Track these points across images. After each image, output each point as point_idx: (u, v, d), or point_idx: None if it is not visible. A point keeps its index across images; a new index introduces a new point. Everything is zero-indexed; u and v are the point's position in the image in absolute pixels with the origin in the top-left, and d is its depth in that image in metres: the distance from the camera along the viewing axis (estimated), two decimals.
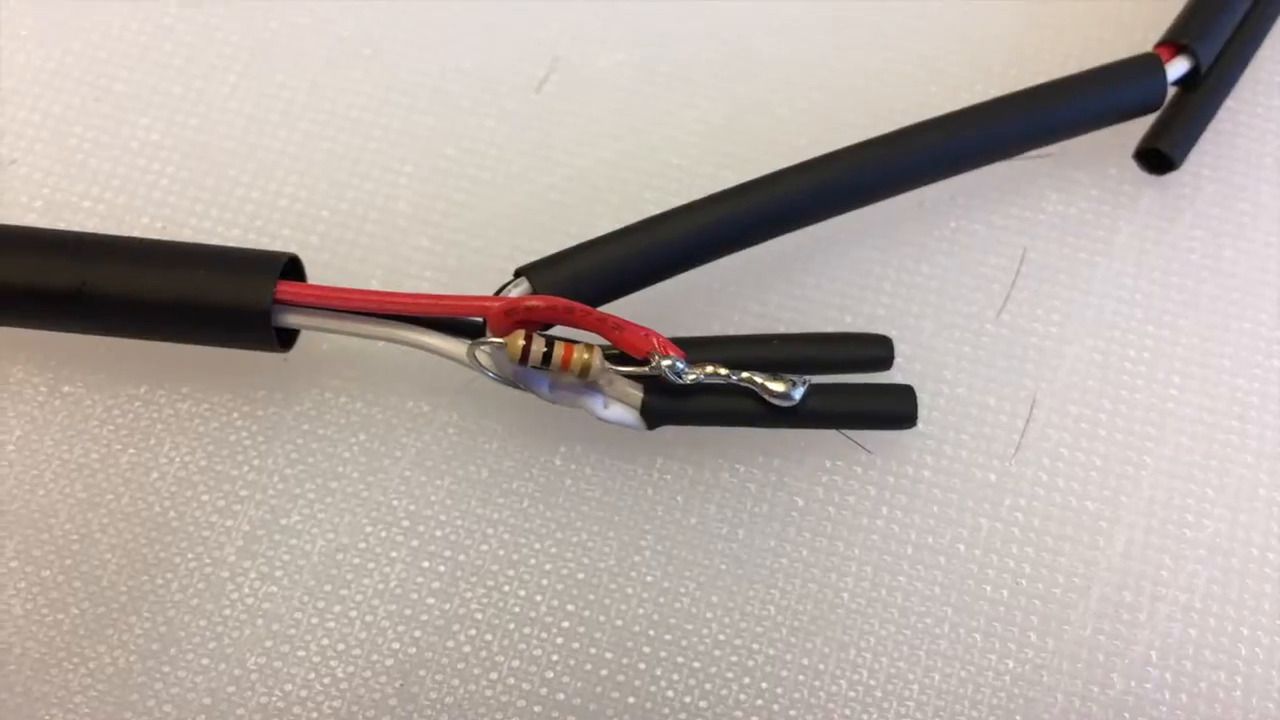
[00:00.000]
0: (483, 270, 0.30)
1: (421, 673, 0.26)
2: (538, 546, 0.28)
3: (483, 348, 0.26)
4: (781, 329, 0.30)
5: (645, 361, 0.26)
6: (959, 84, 0.33)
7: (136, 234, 0.29)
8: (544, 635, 0.27)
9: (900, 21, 0.34)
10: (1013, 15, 0.34)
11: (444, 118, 0.32)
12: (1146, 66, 0.31)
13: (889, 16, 0.34)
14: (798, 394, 0.26)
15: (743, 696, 0.26)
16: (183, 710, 0.26)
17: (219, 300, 0.26)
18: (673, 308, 0.29)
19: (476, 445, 0.29)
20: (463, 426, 0.29)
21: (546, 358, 0.26)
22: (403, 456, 0.28)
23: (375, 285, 0.30)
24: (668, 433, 0.28)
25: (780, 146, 0.32)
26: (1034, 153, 0.31)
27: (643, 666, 0.27)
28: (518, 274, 0.27)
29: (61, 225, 0.30)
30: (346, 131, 0.32)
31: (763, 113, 0.32)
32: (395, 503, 0.28)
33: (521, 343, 0.26)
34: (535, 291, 0.27)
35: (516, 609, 0.27)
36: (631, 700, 0.26)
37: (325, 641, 0.27)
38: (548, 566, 0.27)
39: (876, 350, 0.28)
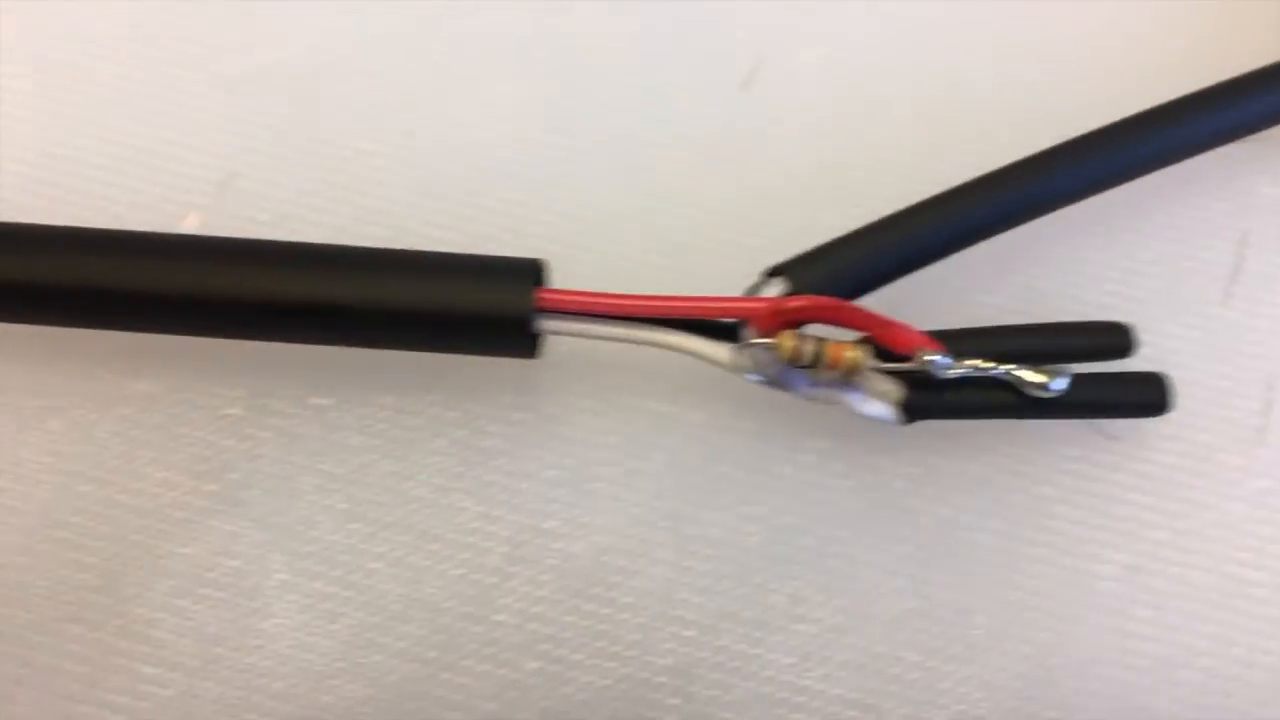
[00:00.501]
0: (703, 269, 0.30)
1: (699, 671, 0.27)
2: (798, 543, 0.28)
3: (748, 349, 0.26)
4: (1008, 320, 0.30)
5: (907, 358, 0.26)
6: (1164, 77, 0.33)
7: (367, 244, 0.29)
8: (813, 631, 0.27)
9: (1099, 18, 0.34)
10: (1219, 12, 0.34)
11: (652, 119, 0.32)
12: None
13: (1088, 13, 0.34)
14: (1060, 385, 0.27)
15: (1016, 684, 0.27)
16: (469, 716, 0.26)
17: (481, 309, 0.26)
18: (899, 304, 0.29)
19: (726, 444, 0.29)
20: (710, 426, 0.29)
21: (817, 357, 0.26)
22: (655, 458, 0.29)
23: (596, 287, 0.30)
24: (911, 427, 0.28)
25: (983, 143, 0.32)
26: (1246, 139, 0.31)
27: (915, 658, 0.27)
28: (772, 273, 0.27)
29: (292, 237, 0.30)
30: (555, 135, 0.32)
31: (968, 106, 0.33)
32: (654, 503, 0.28)
33: (791, 343, 0.26)
34: (794, 290, 0.27)
35: (782, 605, 0.27)
36: (910, 694, 0.27)
37: (600, 644, 0.27)
38: (809, 562, 0.28)
39: (1117, 338, 0.28)
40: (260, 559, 0.27)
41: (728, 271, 0.28)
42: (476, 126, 0.32)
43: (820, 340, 0.26)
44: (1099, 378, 0.28)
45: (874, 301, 0.27)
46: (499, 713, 0.26)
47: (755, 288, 0.27)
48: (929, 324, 0.27)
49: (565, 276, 0.27)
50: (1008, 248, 0.30)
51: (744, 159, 0.32)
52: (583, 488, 0.28)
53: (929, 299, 0.30)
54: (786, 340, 0.26)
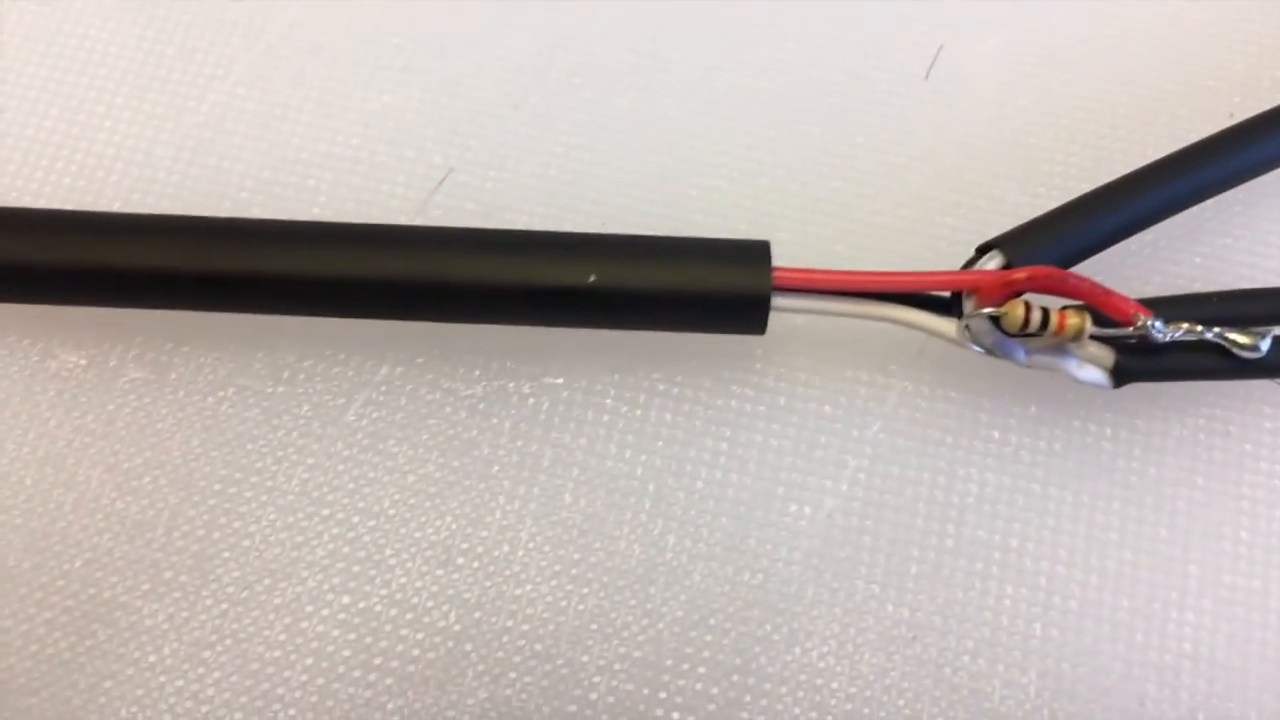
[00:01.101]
0: (904, 246, 0.32)
1: (933, 620, 0.28)
2: (1015, 501, 0.29)
3: (975, 319, 0.28)
4: (1197, 288, 0.32)
5: (1127, 324, 0.28)
6: None
7: (569, 229, 0.30)
8: (1034, 583, 0.29)
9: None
10: None
11: (847, 112, 0.34)
12: None
13: None
14: (1265, 345, 0.28)
15: (1234, 636, 0.28)
16: (721, 671, 0.28)
17: (723, 289, 0.28)
18: (1097, 273, 0.30)
19: (937, 411, 0.30)
20: (920, 394, 0.31)
21: (1044, 324, 0.28)
22: (870, 425, 0.30)
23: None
24: (1112, 392, 0.29)
25: (1155, 124, 0.33)
26: None
27: (1130, 605, 0.28)
28: (983, 249, 0.29)
29: (503, 225, 0.31)
30: (749, 124, 0.34)
31: (1139, 87, 0.34)
32: (874, 468, 0.30)
33: (1022, 311, 0.27)
34: (1009, 263, 0.29)
35: (1002, 559, 0.29)
36: (1132, 638, 0.28)
37: (838, 597, 0.28)
38: (1027, 519, 0.29)
39: None
40: (511, 529, 0.29)
41: (921, 250, 0.30)
42: (673, 120, 0.34)
43: (1046, 309, 0.28)
44: None
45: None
46: (745, 667, 0.28)
47: (971, 262, 0.29)
48: (1127, 293, 0.29)
49: (781, 260, 0.29)
50: (1193, 219, 0.32)
51: (930, 144, 0.33)
52: (807, 454, 0.30)
53: (1122, 270, 0.31)
54: (1016, 309, 0.27)
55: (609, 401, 0.30)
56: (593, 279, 0.28)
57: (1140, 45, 0.35)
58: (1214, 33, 0.35)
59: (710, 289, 0.28)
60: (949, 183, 0.33)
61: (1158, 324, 0.28)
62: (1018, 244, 0.29)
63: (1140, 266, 0.32)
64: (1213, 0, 0.35)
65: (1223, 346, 0.28)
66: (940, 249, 0.32)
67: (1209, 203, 0.31)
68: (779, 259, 0.29)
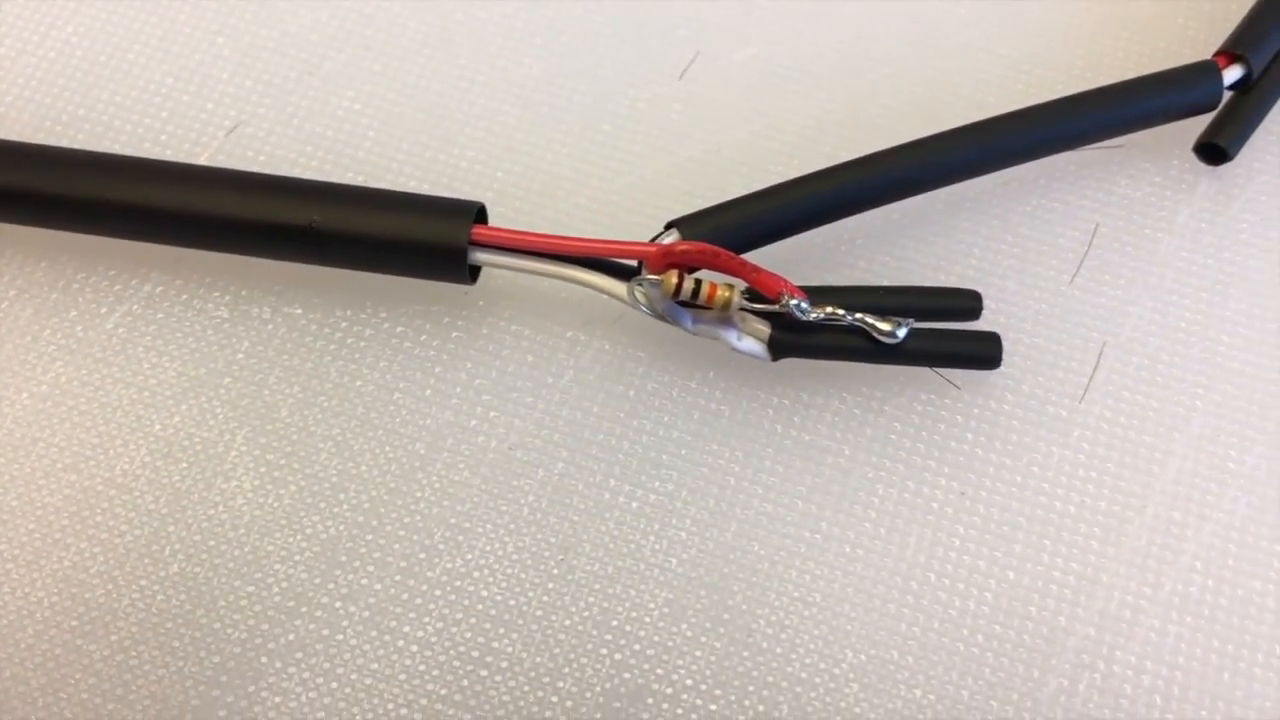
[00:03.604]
0: (632, 225, 0.36)
1: (582, 548, 0.32)
2: (678, 453, 0.33)
3: (641, 285, 0.32)
4: (885, 283, 0.35)
5: (775, 301, 0.32)
6: (1041, 82, 0.38)
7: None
8: (680, 523, 0.32)
9: (991, 29, 0.39)
10: (1090, 23, 0.39)
11: (601, 99, 0.38)
12: (1205, 72, 0.36)
13: (982, 25, 0.39)
14: (901, 333, 0.31)
15: (849, 588, 0.31)
16: (387, 571, 0.31)
17: (425, 239, 0.32)
18: (794, 262, 0.34)
19: (625, 369, 0.34)
20: (613, 353, 0.34)
21: (694, 293, 0.31)
22: (564, 375, 0.34)
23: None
24: (786, 365, 0.33)
25: (886, 132, 0.37)
26: (1107, 143, 0.36)
27: (761, 551, 0.32)
28: (669, 226, 0.33)
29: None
30: (518, 108, 0.38)
31: (871, 102, 0.38)
32: (559, 412, 0.33)
33: (675, 280, 0.31)
34: (684, 239, 0.32)
35: (657, 501, 0.32)
36: (754, 580, 0.31)
37: (502, 519, 0.32)
38: (684, 469, 0.33)
39: (968, 302, 0.33)
40: (230, 432, 0.33)
41: (643, 230, 0.33)
42: (446, 97, 0.38)
43: (699, 280, 0.31)
44: (942, 332, 0.33)
45: (769, 261, 0.32)
46: (409, 569, 0.32)
47: (656, 237, 0.33)
48: (811, 281, 0.32)
49: (519, 226, 0.32)
50: (890, 220, 0.35)
51: (676, 138, 0.37)
52: (502, 395, 0.34)
53: (814, 262, 0.35)
54: (670, 277, 0.31)
55: (337, 334, 0.34)
56: (315, 219, 0.32)
57: (880, 64, 0.38)
58: (945, 63, 0.38)
59: (417, 238, 0.32)
60: (683, 173, 0.37)
61: (803, 304, 0.31)
62: (693, 224, 0.32)
63: (834, 261, 0.35)
64: (954, 31, 0.39)
65: (865, 330, 0.32)
66: (660, 229, 0.36)
67: (909, 208, 0.35)
68: (511, 224, 0.33)
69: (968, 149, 0.34)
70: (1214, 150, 0.36)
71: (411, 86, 0.38)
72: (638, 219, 0.36)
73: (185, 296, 0.35)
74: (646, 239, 0.33)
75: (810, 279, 0.32)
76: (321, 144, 0.37)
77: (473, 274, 0.33)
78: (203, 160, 0.37)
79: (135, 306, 0.34)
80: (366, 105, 0.38)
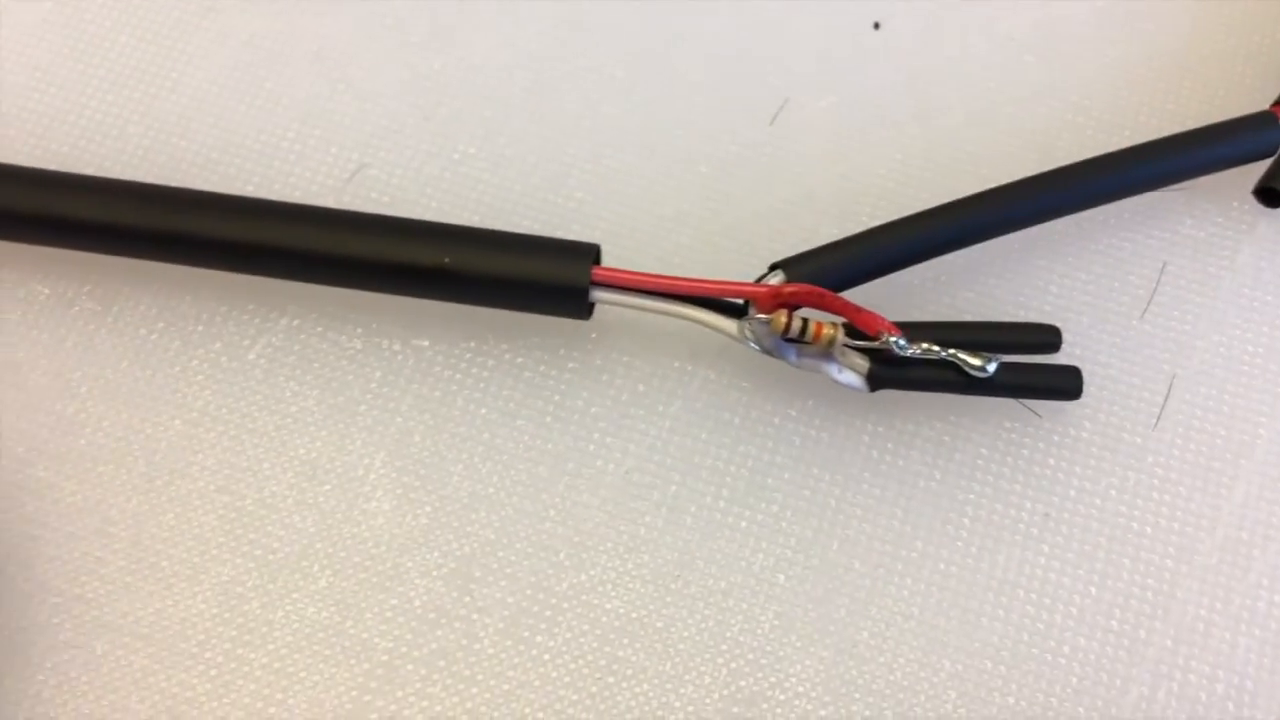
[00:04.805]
0: (730, 263, 0.38)
1: (698, 564, 0.35)
2: (781, 476, 0.36)
3: (751, 323, 0.34)
4: (969, 319, 0.38)
5: (874, 338, 0.34)
6: (1109, 129, 0.41)
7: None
8: (786, 541, 0.35)
9: (1059, 78, 0.41)
10: (1153, 73, 0.41)
11: (698, 143, 0.40)
12: (1263, 122, 0.38)
13: (1052, 75, 0.41)
14: (991, 368, 0.34)
15: (944, 602, 0.34)
16: (518, 586, 0.34)
17: (550, 279, 0.35)
18: (886, 297, 0.37)
19: (730, 398, 0.37)
20: (719, 383, 0.37)
21: (801, 332, 0.34)
22: (673, 403, 0.37)
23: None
24: (880, 395, 0.36)
25: (963, 175, 0.40)
26: (1173, 186, 0.38)
27: (861, 568, 0.35)
28: (773, 267, 0.35)
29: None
30: (621, 151, 0.40)
31: (952, 147, 0.40)
32: (670, 438, 0.36)
33: (784, 319, 0.34)
34: (789, 280, 0.35)
35: (764, 520, 0.35)
36: (858, 595, 0.34)
37: (624, 540, 0.35)
38: (789, 491, 0.35)
39: (1048, 336, 0.36)
40: (368, 456, 0.36)
41: (744, 266, 0.36)
42: (554, 140, 0.40)
43: (806, 319, 0.34)
44: (1027, 366, 0.35)
45: (862, 297, 0.35)
46: (539, 584, 0.34)
47: (761, 277, 0.35)
48: (899, 317, 0.35)
49: (626, 264, 0.35)
50: (972, 259, 0.38)
51: (768, 180, 0.40)
52: (617, 421, 0.36)
53: (903, 297, 0.38)
54: (780, 317, 0.34)
55: (463, 365, 0.37)
56: (447, 261, 0.35)
57: (955, 111, 0.41)
58: (1018, 110, 0.41)
59: (542, 278, 0.35)
60: (777, 213, 0.40)
61: (900, 341, 0.34)
62: (797, 266, 0.35)
63: (923, 296, 0.38)
64: (1025, 80, 0.41)
65: (958, 365, 0.34)
66: (758, 267, 0.38)
67: (990, 247, 0.37)
68: (619, 261, 0.35)
69: (1047, 194, 0.37)
70: (1271, 194, 0.39)
71: (521, 131, 0.41)
72: (736, 257, 0.39)
73: (320, 329, 0.37)
74: (746, 276, 0.35)
75: (901, 314, 0.35)
76: (440, 185, 0.40)
77: (589, 310, 0.36)
78: (330, 202, 0.39)
79: (275, 339, 0.37)
80: (480, 149, 0.40)
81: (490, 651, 0.34)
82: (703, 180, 0.40)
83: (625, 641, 0.34)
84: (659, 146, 0.41)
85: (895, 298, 0.38)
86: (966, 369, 0.34)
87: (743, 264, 0.37)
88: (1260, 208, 0.39)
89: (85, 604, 0.34)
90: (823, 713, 0.33)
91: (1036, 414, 0.36)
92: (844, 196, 0.40)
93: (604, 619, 0.34)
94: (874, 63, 0.42)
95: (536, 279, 0.35)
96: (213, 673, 0.33)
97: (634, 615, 0.34)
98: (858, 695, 0.33)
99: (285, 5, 0.42)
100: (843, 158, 0.40)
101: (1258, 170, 0.39)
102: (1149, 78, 0.42)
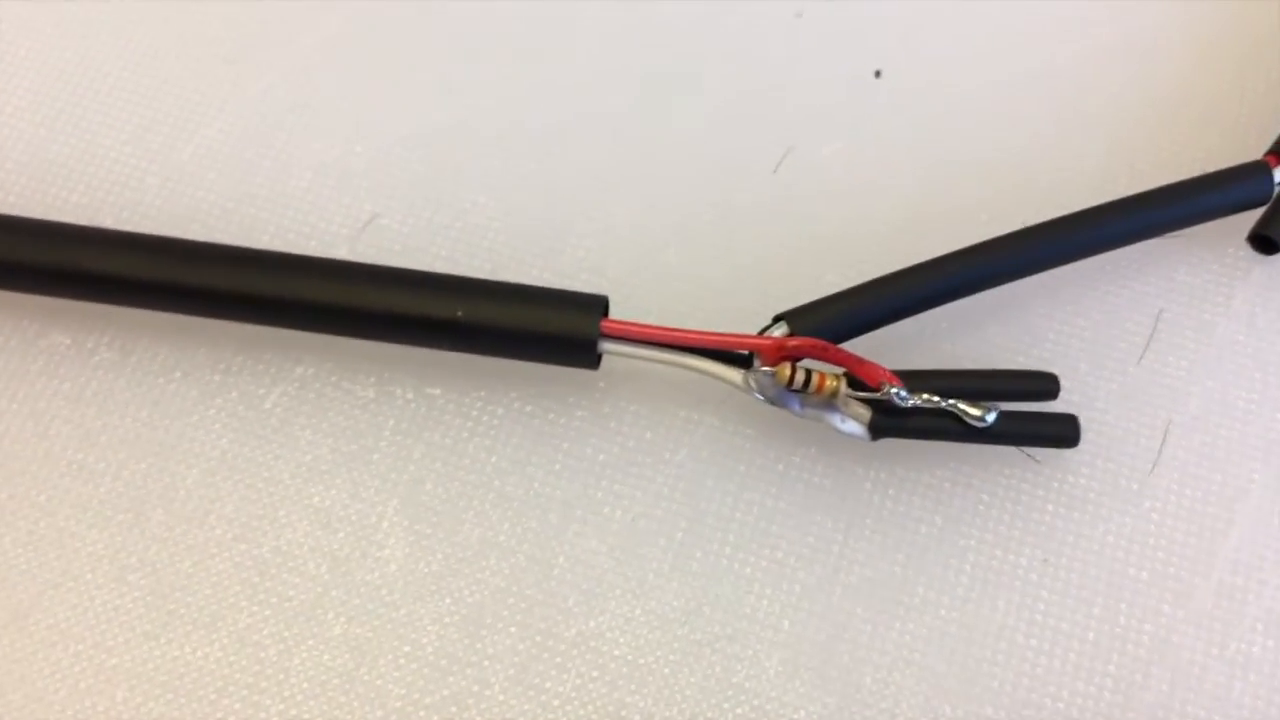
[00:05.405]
0: (734, 309, 0.39)
1: (704, 609, 0.35)
2: (785, 522, 0.36)
3: (755, 374, 0.35)
4: (968, 365, 0.39)
5: (876, 389, 0.35)
6: (1107, 177, 0.41)
7: (473, 275, 0.38)
8: (790, 587, 0.36)
9: (1055, 128, 0.42)
10: (1149, 123, 0.42)
11: (701, 191, 0.41)
12: (1257, 171, 0.39)
13: (1047, 124, 0.42)
14: (991, 418, 0.35)
15: (945, 647, 0.35)
16: (528, 633, 0.35)
17: (559, 331, 0.35)
18: (887, 344, 0.37)
19: (734, 445, 0.38)
20: (723, 430, 0.38)
21: (805, 383, 0.35)
22: (679, 451, 0.37)
23: (652, 321, 0.39)
24: (884, 444, 0.36)
25: (964, 222, 0.40)
26: (1168, 235, 0.39)
27: (864, 614, 0.35)
28: (777, 318, 0.36)
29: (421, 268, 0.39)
30: (626, 199, 0.41)
31: (951, 194, 0.41)
32: (676, 485, 0.37)
33: (788, 372, 0.35)
34: (792, 332, 0.36)
35: (768, 566, 0.36)
36: (859, 639, 0.35)
37: (629, 585, 0.36)
38: (793, 537, 0.36)
39: (1046, 384, 0.37)
40: (381, 503, 0.37)
41: (745, 314, 0.37)
42: (562, 190, 0.41)
43: (810, 371, 0.35)
44: (1025, 414, 0.36)
45: (860, 345, 0.36)
46: (548, 630, 0.35)
47: (765, 329, 0.36)
48: (900, 364, 0.36)
49: (633, 312, 0.36)
50: (971, 306, 0.39)
51: (771, 228, 0.41)
52: (624, 469, 0.37)
53: (904, 345, 0.38)
54: (784, 369, 0.35)
55: (474, 412, 0.38)
56: (460, 314, 0.36)
57: (956, 159, 0.42)
58: (1015, 158, 0.42)
59: (553, 330, 0.36)
60: (780, 260, 0.40)
61: (901, 391, 0.35)
62: (801, 318, 0.36)
63: (922, 344, 0.39)
64: (1019, 133, 0.42)
65: (958, 415, 0.35)
66: (762, 314, 0.39)
67: (990, 294, 0.38)
68: (625, 309, 0.36)
69: (1045, 244, 0.38)
70: (1266, 241, 0.40)
71: (528, 181, 0.41)
72: (740, 303, 0.39)
73: (334, 378, 0.38)
74: (750, 324, 0.36)
75: (900, 360, 0.36)
76: (449, 234, 0.41)
77: (598, 360, 0.37)
78: (343, 251, 0.40)
79: (290, 388, 0.38)
80: (488, 199, 0.41)
81: (501, 698, 0.34)
82: (707, 228, 0.41)
83: (632, 688, 0.35)
84: (663, 196, 0.41)
85: (894, 344, 0.38)
86: (967, 419, 0.35)
87: (747, 312, 0.38)
88: (1255, 254, 0.40)
89: (106, 652, 0.35)
90: None
91: (1035, 460, 0.37)
92: (846, 243, 0.41)
93: (611, 665, 0.35)
94: (875, 111, 0.43)
95: (547, 331, 0.36)
96: (230, 719, 0.34)
97: (641, 661, 0.35)
98: None
99: (299, 58, 0.43)
100: (845, 205, 0.41)
101: (1253, 217, 0.40)
102: (1144, 126, 0.42)
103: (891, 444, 0.36)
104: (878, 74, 0.43)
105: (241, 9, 0.44)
